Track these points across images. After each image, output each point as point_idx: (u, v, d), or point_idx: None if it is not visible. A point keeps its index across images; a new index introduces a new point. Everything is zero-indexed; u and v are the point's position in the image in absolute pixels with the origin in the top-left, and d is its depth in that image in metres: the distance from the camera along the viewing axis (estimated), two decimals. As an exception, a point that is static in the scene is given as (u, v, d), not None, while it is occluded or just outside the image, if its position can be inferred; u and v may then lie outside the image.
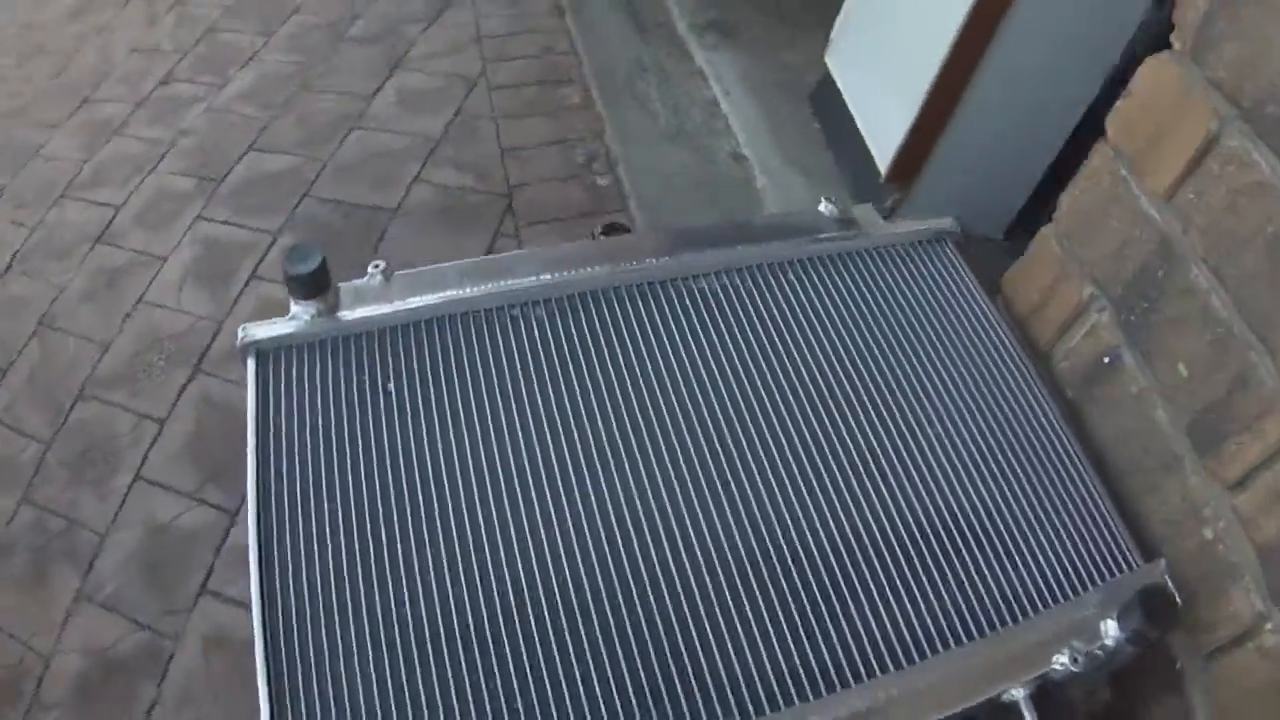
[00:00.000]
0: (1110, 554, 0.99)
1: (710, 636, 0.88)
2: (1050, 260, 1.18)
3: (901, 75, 1.87)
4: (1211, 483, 0.96)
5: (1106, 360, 1.09)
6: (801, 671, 0.88)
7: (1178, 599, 0.94)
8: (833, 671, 0.88)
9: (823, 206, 1.23)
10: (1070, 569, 0.98)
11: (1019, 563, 0.98)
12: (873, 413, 1.05)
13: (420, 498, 0.94)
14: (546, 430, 0.99)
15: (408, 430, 0.98)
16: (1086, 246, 1.12)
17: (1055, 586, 0.97)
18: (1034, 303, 1.22)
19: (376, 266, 1.09)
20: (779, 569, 0.93)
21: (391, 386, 1.01)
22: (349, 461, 0.95)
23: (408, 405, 1.00)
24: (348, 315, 1.04)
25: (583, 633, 0.87)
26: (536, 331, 1.07)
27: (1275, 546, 0.89)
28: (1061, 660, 0.90)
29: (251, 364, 1.01)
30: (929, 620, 0.92)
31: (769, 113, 2.49)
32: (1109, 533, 1.00)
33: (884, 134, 2.00)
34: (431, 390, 1.02)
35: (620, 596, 0.90)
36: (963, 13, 1.56)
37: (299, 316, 1.03)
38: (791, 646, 0.89)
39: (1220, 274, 0.95)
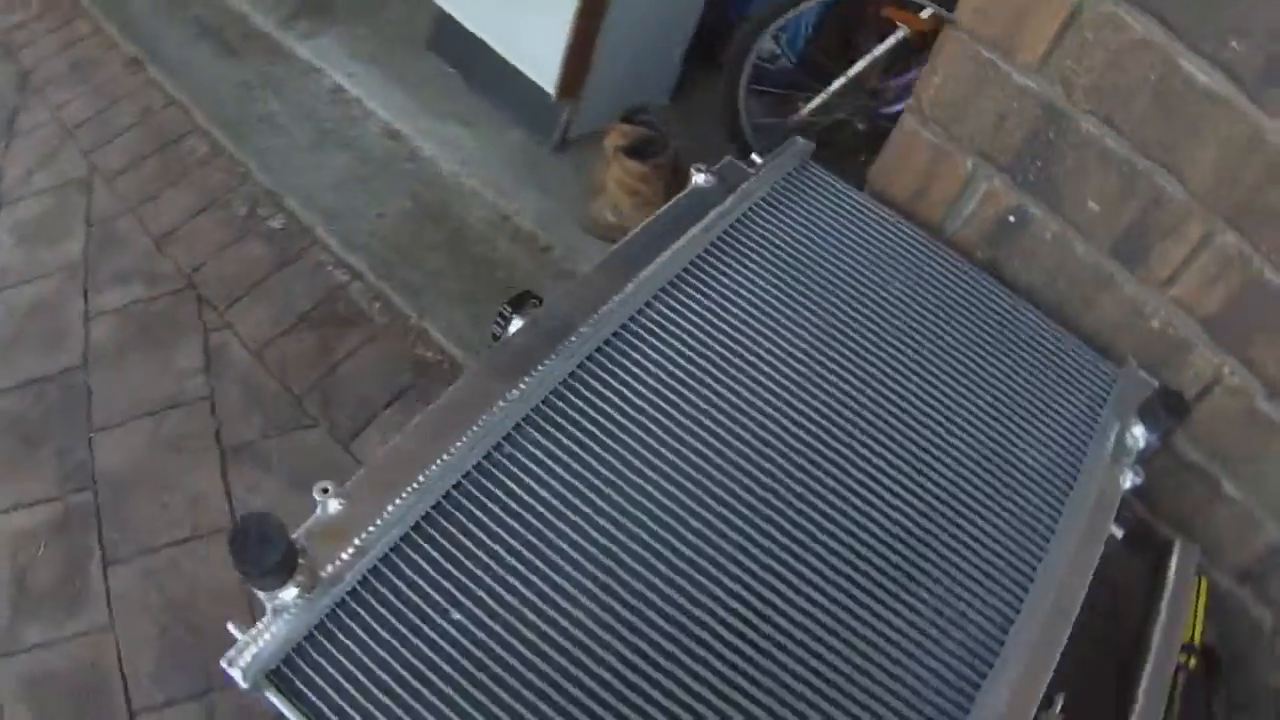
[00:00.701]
0: (1088, 373, 1.18)
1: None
2: (922, 147, 1.30)
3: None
4: (1146, 286, 1.20)
5: (1012, 219, 1.26)
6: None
7: (1183, 393, 1.17)
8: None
9: (700, 178, 1.20)
10: (1069, 405, 1.15)
11: (1033, 433, 1.12)
12: (858, 348, 1.13)
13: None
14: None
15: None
16: (962, 126, 1.25)
17: (1072, 430, 1.13)
18: (914, 188, 1.33)
19: (324, 492, 0.85)
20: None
21: (456, 615, 0.83)
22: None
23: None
24: (342, 571, 0.81)
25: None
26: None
27: (1215, 314, 1.16)
28: (1128, 482, 1.08)
29: (278, 699, 0.76)
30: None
31: (398, 76, 2.35)
32: (1076, 355, 1.20)
33: (539, 56, 2.02)
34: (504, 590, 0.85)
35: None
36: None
37: (287, 608, 0.78)
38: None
39: (1113, 122, 1.14)
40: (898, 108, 2.42)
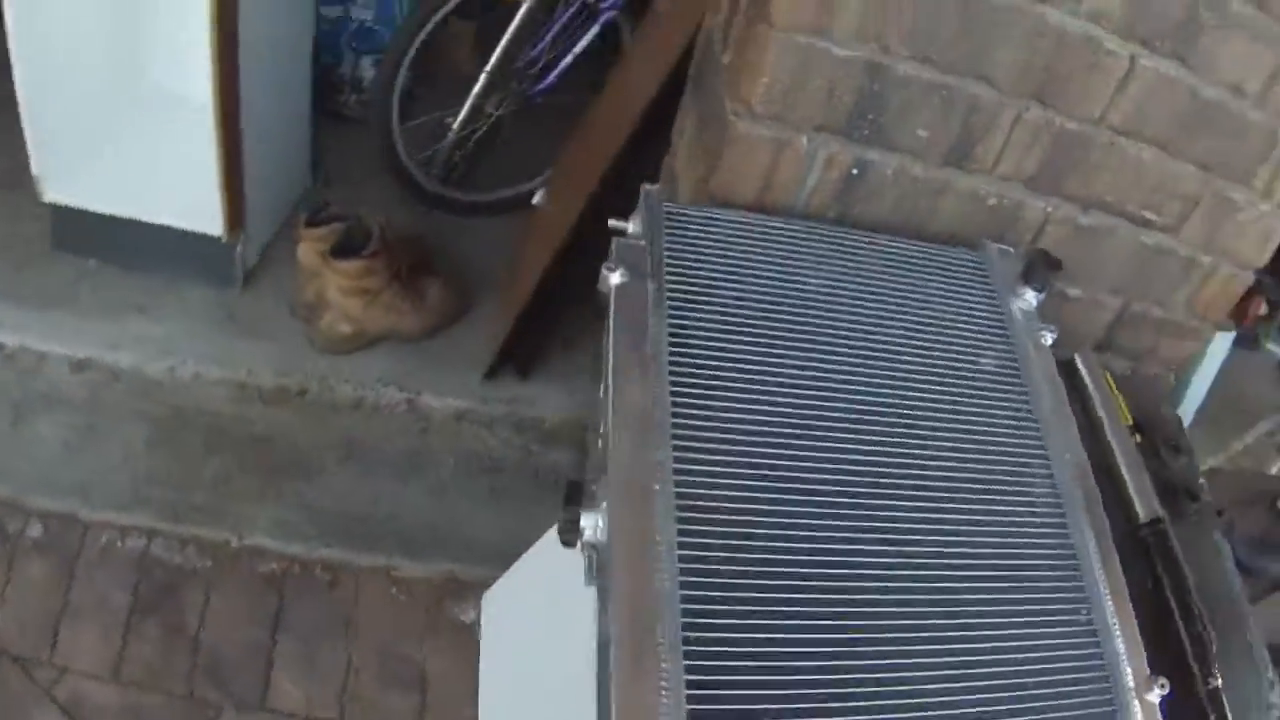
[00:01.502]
0: (967, 267, 1.33)
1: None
2: (761, 146, 1.27)
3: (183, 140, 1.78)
4: (976, 175, 1.35)
5: (855, 171, 1.31)
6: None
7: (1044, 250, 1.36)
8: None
9: (615, 277, 1.06)
10: (972, 302, 1.28)
11: (969, 340, 1.22)
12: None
13: None
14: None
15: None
16: (796, 111, 1.25)
17: (987, 321, 1.26)
18: (760, 184, 1.31)
19: None
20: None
21: None
22: None
23: None
24: None
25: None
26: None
27: (1034, 173, 1.37)
28: (1049, 341, 1.26)
29: None
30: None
31: (41, 300, 1.89)
32: (947, 257, 1.33)
33: (193, 203, 1.86)
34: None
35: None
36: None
37: None
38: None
39: (927, 57, 1.23)
40: (549, 79, 2.32)
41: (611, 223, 1.16)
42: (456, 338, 2.10)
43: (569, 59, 2.39)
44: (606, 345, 0.99)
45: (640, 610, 0.75)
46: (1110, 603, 0.95)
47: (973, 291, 1.29)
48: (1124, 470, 1.22)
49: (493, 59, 2.20)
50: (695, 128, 1.50)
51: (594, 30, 2.36)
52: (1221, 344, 1.98)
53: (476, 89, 2.24)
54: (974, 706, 0.85)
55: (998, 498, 1.04)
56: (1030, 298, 1.28)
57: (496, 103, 2.30)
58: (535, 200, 2.20)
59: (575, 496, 0.89)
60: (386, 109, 2.15)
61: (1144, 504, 1.17)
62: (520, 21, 2.17)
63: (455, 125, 2.27)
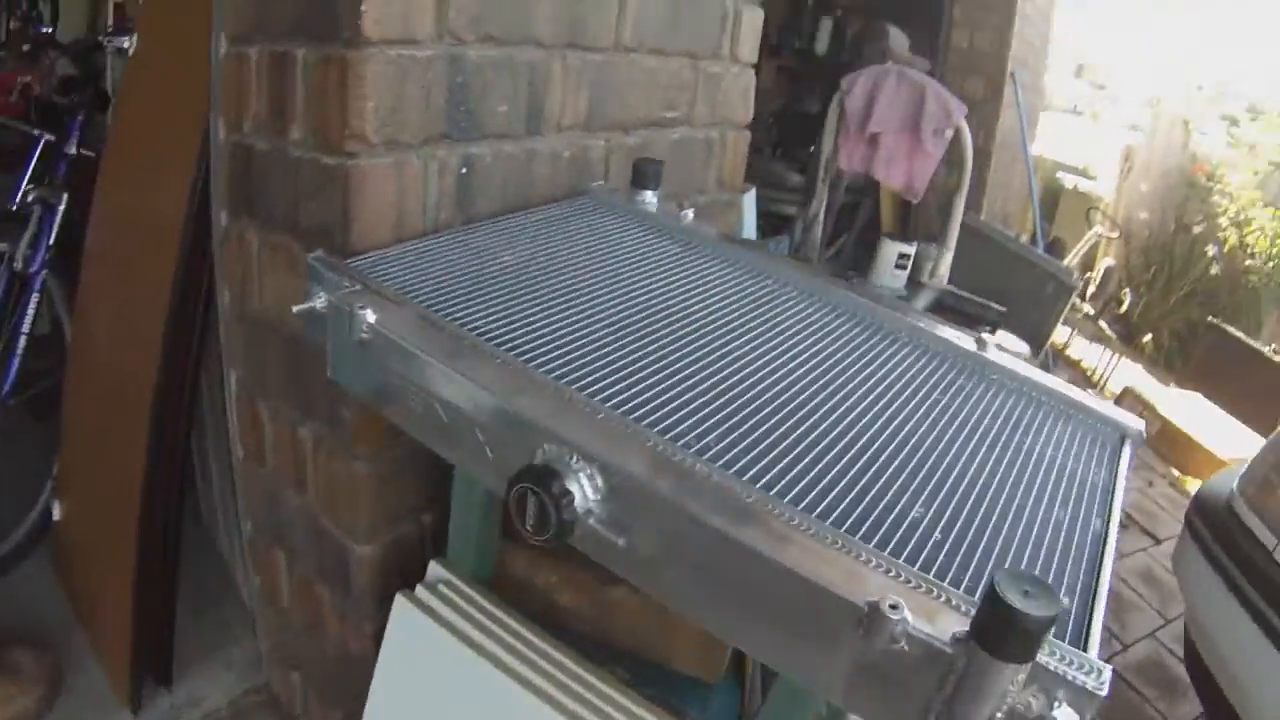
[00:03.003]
0: (593, 207, 1.38)
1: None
2: (385, 175, 1.18)
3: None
4: (549, 135, 1.43)
5: (464, 170, 1.29)
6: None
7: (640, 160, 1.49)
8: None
9: None
10: (607, 223, 1.34)
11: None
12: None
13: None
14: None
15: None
16: (404, 127, 1.17)
17: (640, 228, 1.33)
18: (395, 217, 1.20)
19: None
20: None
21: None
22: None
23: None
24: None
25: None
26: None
27: (587, 115, 1.47)
28: (689, 216, 1.46)
29: None
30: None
31: None
32: (573, 207, 1.37)
33: None
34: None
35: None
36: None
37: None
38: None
39: (489, 36, 1.26)
40: (10, 375, 2.00)
41: (296, 309, 1.01)
42: (80, 691, 1.67)
43: (22, 344, 2.04)
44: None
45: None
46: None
47: (616, 215, 1.39)
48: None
49: None
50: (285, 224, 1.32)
51: (34, 303, 2.04)
52: (749, 202, 2.29)
53: None
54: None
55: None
56: (650, 196, 1.42)
57: None
58: (56, 516, 1.88)
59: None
60: None
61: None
62: None
63: None
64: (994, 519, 0.83)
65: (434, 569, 1.25)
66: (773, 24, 5.14)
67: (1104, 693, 0.61)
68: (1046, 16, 5.18)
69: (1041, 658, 0.61)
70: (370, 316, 0.91)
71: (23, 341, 2.03)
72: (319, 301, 0.99)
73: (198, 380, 1.55)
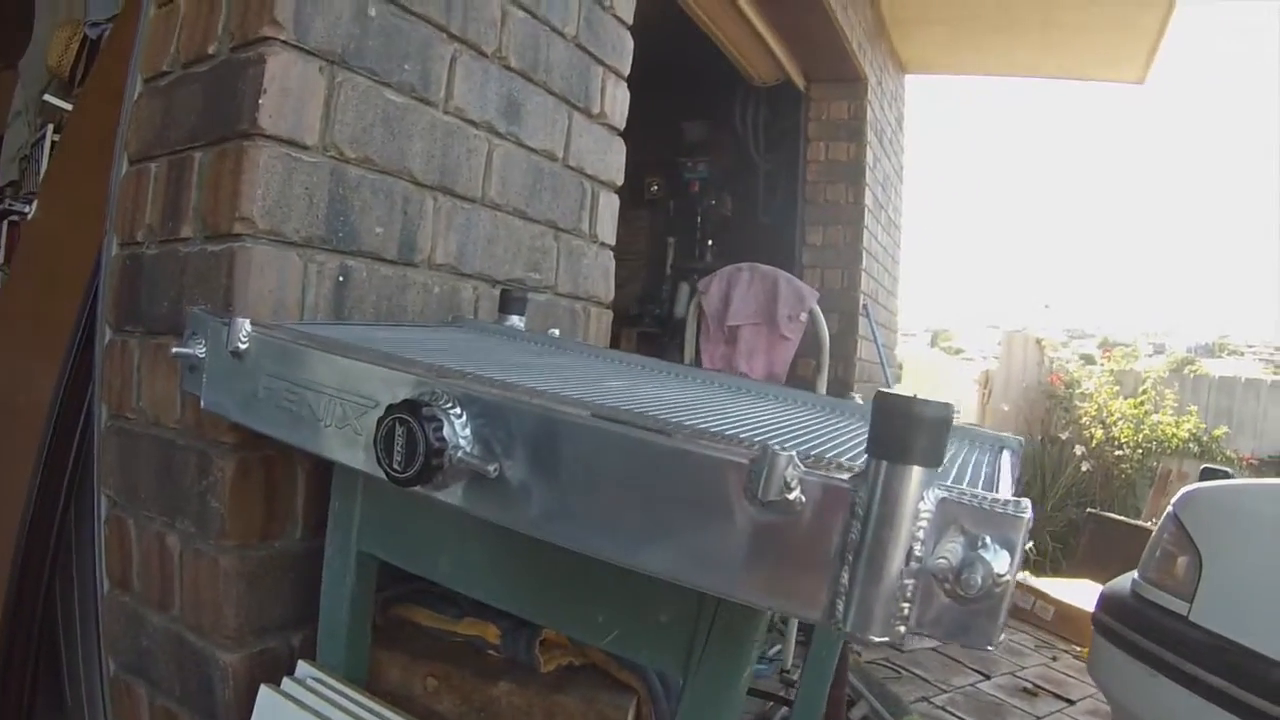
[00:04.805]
0: (468, 327, 1.51)
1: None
2: (266, 263, 1.25)
3: None
4: (420, 268, 1.55)
5: (341, 279, 1.38)
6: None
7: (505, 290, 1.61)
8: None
9: None
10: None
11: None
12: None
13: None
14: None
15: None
16: (288, 220, 1.28)
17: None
18: (272, 307, 1.27)
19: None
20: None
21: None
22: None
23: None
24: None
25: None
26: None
27: (455, 261, 1.62)
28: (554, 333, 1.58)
29: None
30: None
31: None
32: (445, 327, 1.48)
33: None
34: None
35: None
36: None
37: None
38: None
39: (368, 159, 1.41)
40: None
41: (175, 349, 1.07)
42: None
43: None
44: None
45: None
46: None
47: (485, 331, 1.51)
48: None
49: None
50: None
51: None
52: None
53: None
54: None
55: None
56: (517, 320, 1.54)
57: None
58: None
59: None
60: None
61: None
62: None
63: None
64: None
65: (303, 667, 1.20)
66: (632, 295, 5.56)
67: (1027, 516, 0.60)
68: (894, 258, 5.75)
69: (954, 496, 0.60)
70: (247, 326, 0.97)
71: None
72: (198, 347, 1.04)
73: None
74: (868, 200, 4.91)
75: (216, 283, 1.25)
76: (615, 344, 5.56)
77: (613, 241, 2.05)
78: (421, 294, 1.53)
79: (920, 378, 8.61)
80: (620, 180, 2.07)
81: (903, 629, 0.60)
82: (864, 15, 4.78)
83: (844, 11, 4.32)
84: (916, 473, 0.59)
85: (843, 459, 0.76)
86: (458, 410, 0.78)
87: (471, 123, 1.59)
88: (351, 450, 0.88)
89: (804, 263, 4.77)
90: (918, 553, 0.59)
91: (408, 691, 1.22)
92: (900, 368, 6.64)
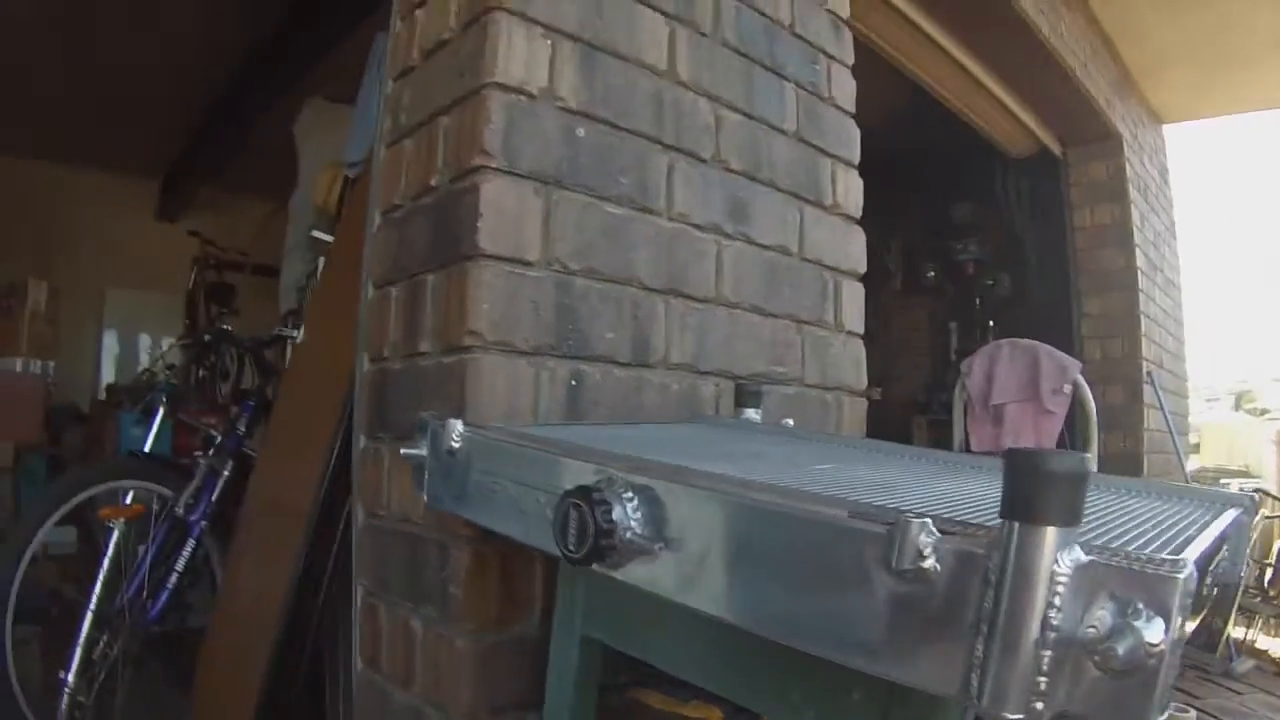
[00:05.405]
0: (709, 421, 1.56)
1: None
2: (498, 372, 1.35)
3: None
4: (656, 369, 1.61)
5: (574, 383, 1.45)
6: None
7: (740, 385, 1.64)
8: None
9: None
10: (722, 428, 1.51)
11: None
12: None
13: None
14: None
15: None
16: (516, 331, 1.37)
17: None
18: (504, 413, 1.38)
19: None
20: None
21: None
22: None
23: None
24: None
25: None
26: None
27: (696, 354, 1.66)
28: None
29: None
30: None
31: None
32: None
33: None
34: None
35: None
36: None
37: None
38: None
39: (592, 270, 1.49)
40: (157, 606, 2.29)
41: (404, 451, 1.18)
42: None
43: (173, 580, 2.35)
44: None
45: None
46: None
47: (722, 425, 1.53)
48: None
49: (94, 594, 2.13)
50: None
51: (190, 545, 2.38)
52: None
53: (83, 633, 2.12)
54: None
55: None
56: (753, 413, 1.53)
57: (109, 643, 2.16)
58: None
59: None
60: (2, 662, 1.98)
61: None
62: (115, 550, 2.10)
63: (70, 678, 2.07)
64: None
65: (530, 737, 1.27)
66: (919, 383, 5.45)
67: (1183, 576, 0.53)
68: (1177, 319, 5.33)
69: (1099, 558, 0.56)
70: (459, 426, 1.07)
71: (174, 579, 2.29)
72: (423, 448, 1.16)
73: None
74: (1140, 262, 4.62)
75: (451, 391, 1.36)
76: (907, 432, 5.47)
77: (861, 330, 2.03)
78: (659, 393, 1.58)
79: (1217, 443, 7.82)
80: (863, 269, 2.05)
81: (1041, 706, 0.55)
82: (1107, 70, 4.55)
83: (1084, 69, 4.14)
84: (1051, 533, 0.55)
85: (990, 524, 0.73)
86: (629, 494, 0.82)
87: (697, 226, 1.64)
88: (545, 536, 0.94)
89: (1083, 334, 4.51)
90: (1055, 621, 0.55)
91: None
92: (1197, 434, 6.06)
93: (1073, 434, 2.86)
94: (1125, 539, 0.72)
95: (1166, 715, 0.55)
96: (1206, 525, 0.90)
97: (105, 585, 2.20)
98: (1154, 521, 0.87)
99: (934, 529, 0.61)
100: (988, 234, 5.14)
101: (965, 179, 5.08)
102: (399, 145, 1.60)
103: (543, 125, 1.41)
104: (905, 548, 0.61)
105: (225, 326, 3.20)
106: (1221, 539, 0.90)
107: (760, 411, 1.55)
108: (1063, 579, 0.55)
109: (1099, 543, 0.61)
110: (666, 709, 1.30)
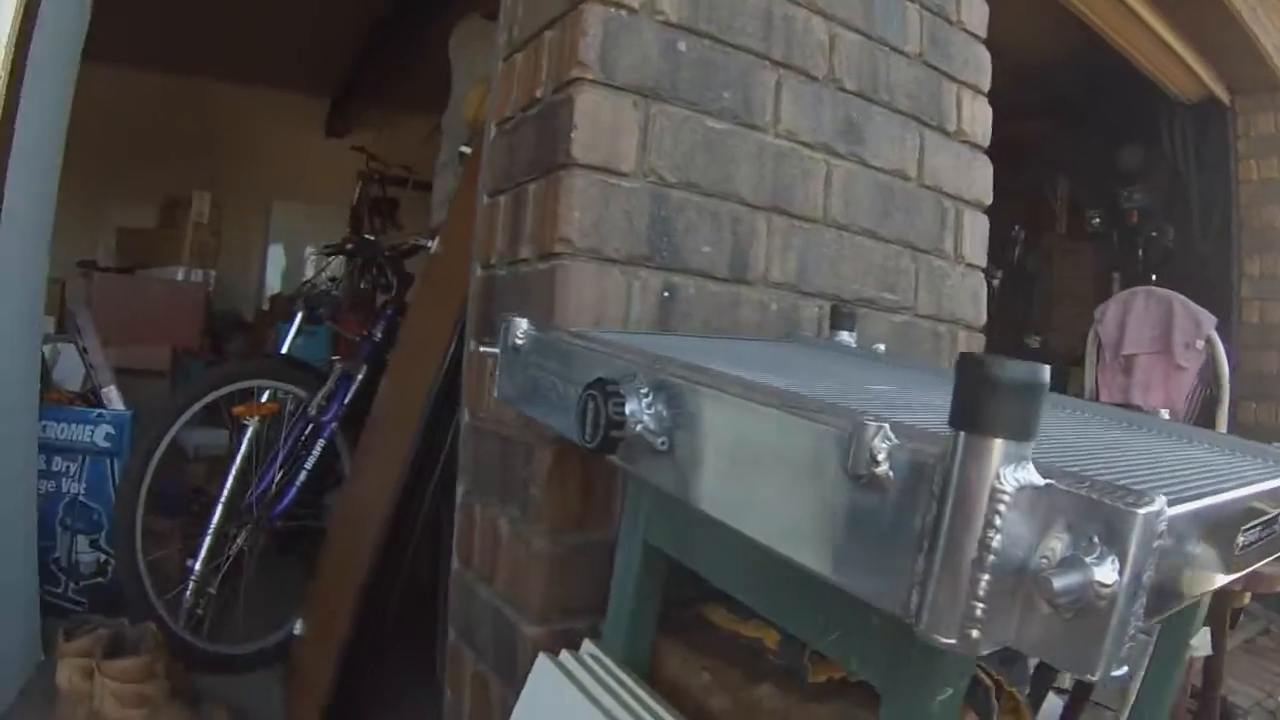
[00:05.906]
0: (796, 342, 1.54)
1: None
2: (586, 279, 1.39)
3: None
4: (754, 285, 1.59)
5: (666, 294, 1.47)
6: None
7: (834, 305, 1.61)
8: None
9: None
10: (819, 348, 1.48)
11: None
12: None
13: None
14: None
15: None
16: (607, 240, 1.40)
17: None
18: (593, 319, 1.41)
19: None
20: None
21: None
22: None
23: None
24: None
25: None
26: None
27: (794, 275, 1.63)
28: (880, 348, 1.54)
29: None
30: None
31: None
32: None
33: None
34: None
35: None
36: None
37: None
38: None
39: (691, 183, 1.47)
40: (285, 500, 2.44)
41: (480, 348, 1.24)
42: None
43: (302, 477, 2.47)
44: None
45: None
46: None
47: (809, 345, 1.52)
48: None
49: (225, 487, 2.26)
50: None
51: (320, 446, 2.50)
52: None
53: (214, 522, 2.25)
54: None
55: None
56: (847, 336, 1.52)
57: (236, 534, 2.31)
58: (296, 630, 2.18)
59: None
60: (131, 548, 2.11)
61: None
62: (248, 446, 2.23)
63: (197, 566, 2.23)
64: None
65: (587, 645, 1.30)
66: (1080, 334, 5.13)
67: (1145, 511, 0.48)
68: None
69: (1057, 482, 0.51)
70: (524, 324, 1.10)
71: (303, 476, 2.41)
72: (496, 346, 1.20)
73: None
74: (1307, 223, 4.26)
75: (544, 297, 1.40)
76: (1061, 385, 5.25)
77: (983, 263, 1.95)
78: (757, 310, 1.58)
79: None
80: (988, 200, 1.96)
81: (976, 634, 0.51)
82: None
83: (1252, 13, 3.80)
84: (997, 445, 0.50)
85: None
86: (646, 390, 0.84)
87: (805, 144, 1.61)
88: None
89: (1241, 294, 4.18)
90: (994, 543, 0.51)
91: (685, 682, 1.28)
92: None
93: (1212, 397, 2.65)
94: (1146, 482, 0.65)
95: (1125, 670, 0.50)
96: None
97: (237, 479, 2.35)
98: (1208, 471, 0.82)
99: (890, 434, 0.58)
100: (1153, 182, 4.81)
101: (1133, 124, 4.76)
102: (511, 59, 1.63)
103: (642, 38, 1.42)
104: (860, 451, 0.59)
105: (369, 236, 3.35)
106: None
107: (855, 335, 1.53)
108: (1005, 496, 0.51)
109: (1104, 478, 0.53)
110: (726, 625, 1.32)
